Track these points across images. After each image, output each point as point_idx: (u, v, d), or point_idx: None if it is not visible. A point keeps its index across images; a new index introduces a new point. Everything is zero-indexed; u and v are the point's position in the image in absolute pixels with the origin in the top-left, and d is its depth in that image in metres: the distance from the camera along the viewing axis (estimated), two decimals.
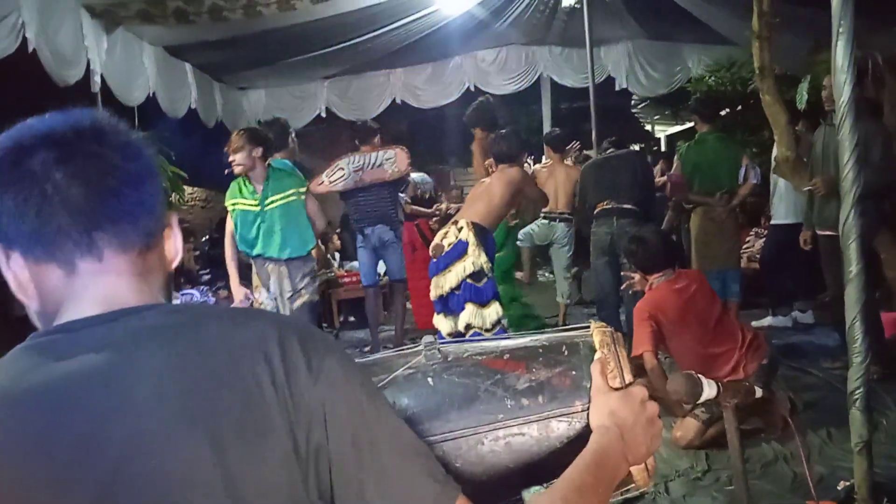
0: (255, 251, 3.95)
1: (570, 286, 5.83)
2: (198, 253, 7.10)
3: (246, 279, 4.10)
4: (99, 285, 0.72)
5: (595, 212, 4.85)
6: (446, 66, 8.13)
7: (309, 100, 8.19)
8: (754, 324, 4.90)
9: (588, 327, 0.99)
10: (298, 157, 4.80)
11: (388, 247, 5.17)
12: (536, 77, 8.33)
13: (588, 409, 0.90)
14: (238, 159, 3.79)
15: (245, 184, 3.91)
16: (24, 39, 3.89)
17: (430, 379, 0.93)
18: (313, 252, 4.16)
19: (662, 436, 0.93)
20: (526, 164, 5.35)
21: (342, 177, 5.06)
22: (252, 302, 3.94)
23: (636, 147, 10.73)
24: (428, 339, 0.99)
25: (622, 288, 4.26)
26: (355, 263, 6.05)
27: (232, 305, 4.16)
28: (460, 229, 3.72)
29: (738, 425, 2.05)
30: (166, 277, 0.79)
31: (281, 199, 3.86)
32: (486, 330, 3.64)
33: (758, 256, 5.91)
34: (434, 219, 6.19)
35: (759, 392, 2.18)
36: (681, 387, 1.93)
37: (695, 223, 5.15)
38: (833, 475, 2.84)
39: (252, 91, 8.03)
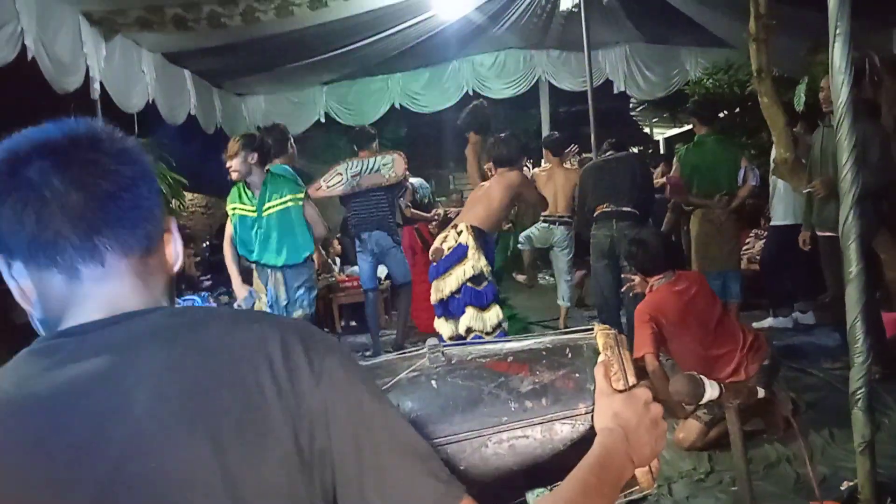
0: (254, 257, 3.96)
1: (570, 289, 5.83)
2: (198, 259, 7.08)
3: (248, 283, 4.09)
4: (102, 290, 0.72)
5: (594, 215, 4.85)
6: (444, 70, 8.15)
7: (308, 105, 8.21)
8: (755, 325, 4.90)
9: (591, 330, 0.98)
10: (298, 163, 4.80)
11: (387, 253, 5.17)
12: (535, 81, 8.35)
13: (592, 411, 0.90)
14: (234, 165, 3.79)
15: (245, 189, 3.91)
16: (24, 47, 3.89)
17: (433, 382, 0.93)
18: (314, 257, 4.15)
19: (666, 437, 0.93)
20: (525, 168, 5.36)
21: (340, 182, 5.07)
22: (255, 301, 3.94)
23: (635, 150, 10.74)
24: (432, 341, 0.98)
25: (622, 290, 4.26)
26: (356, 268, 6.06)
27: (234, 305, 4.17)
28: (460, 233, 3.72)
29: (741, 426, 2.05)
30: (169, 281, 0.79)
31: (278, 204, 3.85)
32: (487, 333, 3.64)
33: (758, 258, 5.91)
34: (433, 223, 6.20)
35: (760, 393, 2.19)
36: (683, 388, 1.93)
37: (694, 225, 5.15)
38: (836, 476, 2.84)
39: (251, 97, 8.04)
